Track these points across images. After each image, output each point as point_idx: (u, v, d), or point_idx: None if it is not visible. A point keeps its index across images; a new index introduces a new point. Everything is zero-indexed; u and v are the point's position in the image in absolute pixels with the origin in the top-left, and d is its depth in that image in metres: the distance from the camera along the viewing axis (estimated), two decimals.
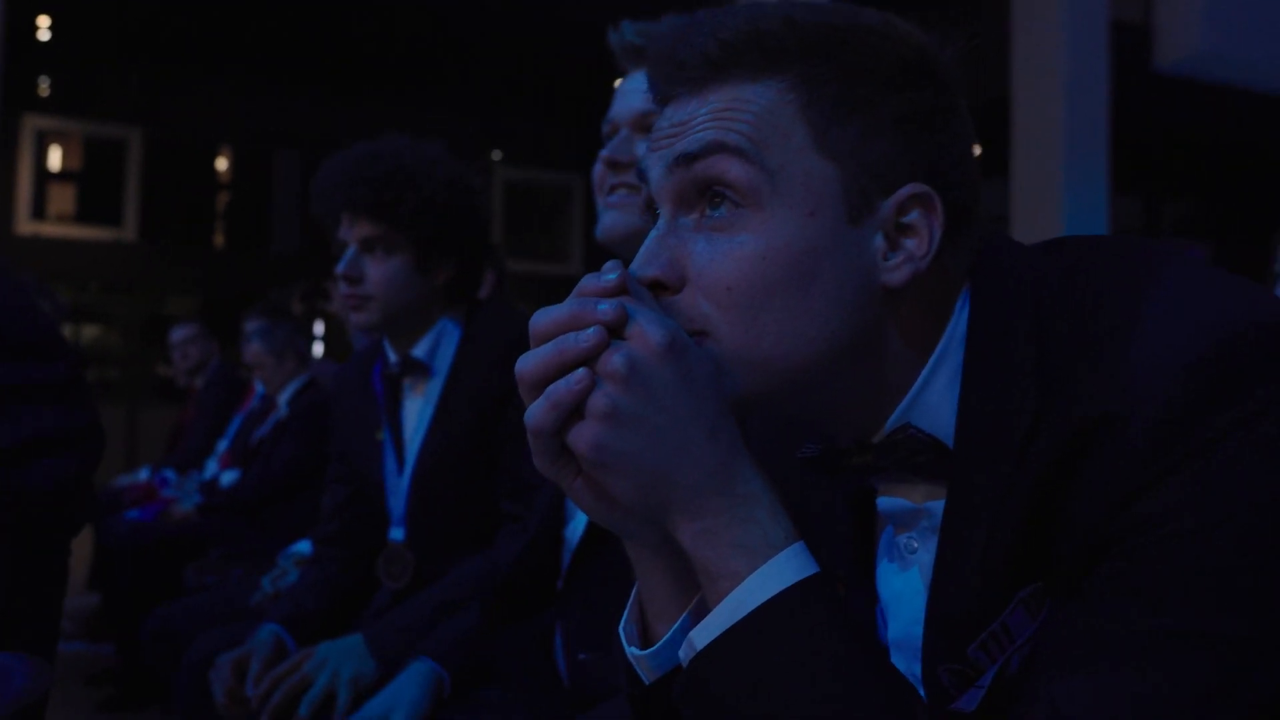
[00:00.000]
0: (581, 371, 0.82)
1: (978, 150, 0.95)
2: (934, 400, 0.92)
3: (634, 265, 0.90)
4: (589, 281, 0.86)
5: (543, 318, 0.86)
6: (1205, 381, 0.79)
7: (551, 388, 0.83)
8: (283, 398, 4.92)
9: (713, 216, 0.89)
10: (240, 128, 11.77)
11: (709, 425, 0.85)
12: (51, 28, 9.66)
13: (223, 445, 5.34)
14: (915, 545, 0.97)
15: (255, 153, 12.53)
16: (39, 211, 11.29)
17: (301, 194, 12.27)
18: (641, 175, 0.95)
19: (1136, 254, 0.89)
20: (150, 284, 11.56)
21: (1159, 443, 0.79)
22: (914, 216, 0.89)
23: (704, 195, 0.90)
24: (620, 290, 0.85)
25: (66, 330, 10.23)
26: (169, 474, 5.22)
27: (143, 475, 5.57)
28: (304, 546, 3.06)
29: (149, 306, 11.59)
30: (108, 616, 4.84)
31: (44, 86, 11.17)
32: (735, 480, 0.86)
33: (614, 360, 0.82)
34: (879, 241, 0.88)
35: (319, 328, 9.96)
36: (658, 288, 0.89)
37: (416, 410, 2.22)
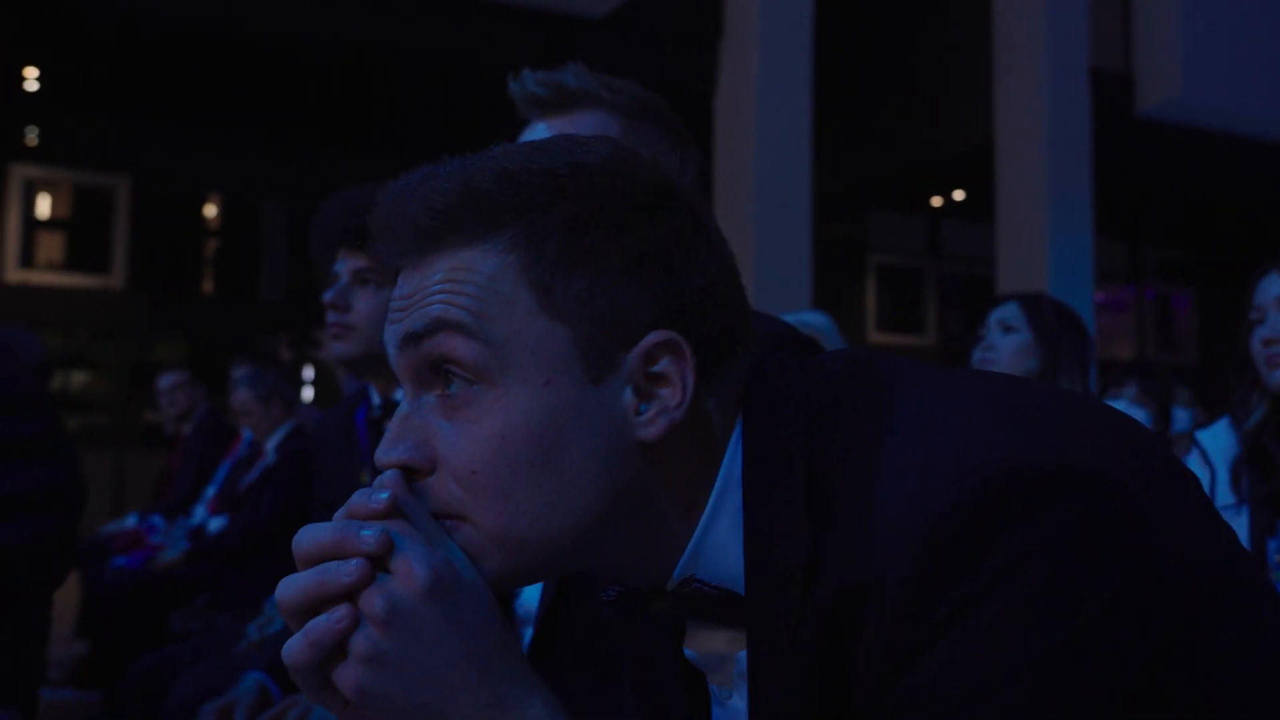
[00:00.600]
0: (343, 609, 0.78)
1: (733, 269, 0.90)
2: (718, 547, 0.86)
3: (380, 448, 0.85)
4: (360, 498, 0.81)
5: (306, 538, 0.80)
6: (948, 542, 0.74)
7: (311, 624, 0.78)
8: (270, 444, 4.92)
9: (449, 395, 0.84)
10: (228, 177, 11.80)
11: (482, 663, 0.80)
12: (39, 78, 9.71)
13: (210, 492, 5.33)
14: (729, 693, 0.93)
15: (243, 201, 12.56)
16: (27, 260, 11.29)
17: (289, 242, 12.29)
18: None
19: (883, 388, 0.85)
20: (138, 331, 11.54)
21: (912, 611, 0.75)
22: (663, 365, 0.84)
23: (438, 373, 0.84)
24: (390, 512, 0.80)
25: (55, 377, 10.22)
26: (156, 520, 5.20)
27: (130, 522, 5.55)
28: None
29: (137, 353, 11.57)
30: (95, 664, 4.81)
31: (32, 136, 11.20)
32: (514, 714, 0.80)
33: (375, 602, 0.77)
34: (628, 397, 0.84)
35: (308, 374, 9.95)
36: (408, 472, 0.84)
37: None
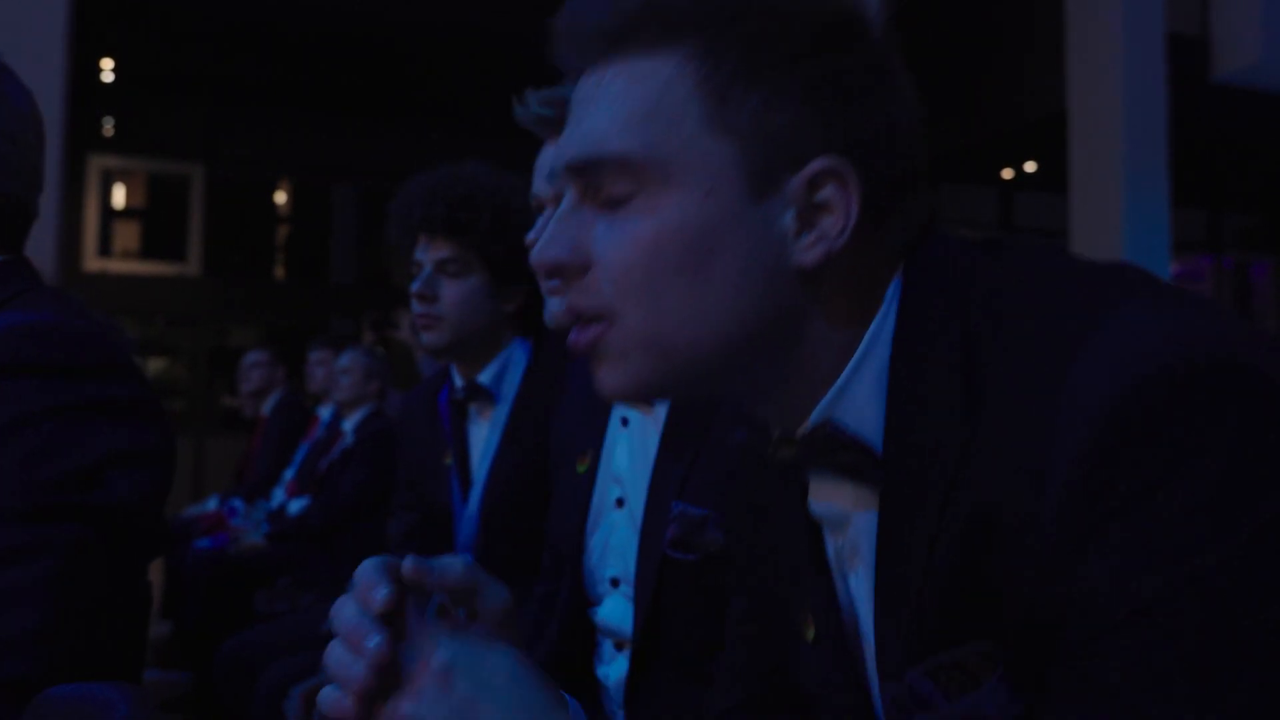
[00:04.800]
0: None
1: (917, 119, 0.87)
2: (860, 397, 0.85)
3: (536, 249, 0.86)
4: (366, 577, 0.82)
5: (337, 614, 0.82)
6: (1136, 419, 0.69)
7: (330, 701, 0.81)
8: (348, 425, 4.97)
9: (611, 199, 0.84)
10: (298, 162, 11.92)
11: None
12: (115, 69, 9.86)
13: (289, 474, 5.39)
14: (848, 554, 0.91)
15: (313, 187, 12.69)
16: (105, 249, 11.50)
17: (359, 226, 12.41)
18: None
19: (1083, 275, 0.82)
20: (214, 317, 11.72)
21: (1086, 492, 0.70)
22: (828, 193, 0.82)
23: (603, 178, 0.84)
24: (390, 609, 0.81)
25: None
26: (237, 503, 5.28)
27: (211, 505, 5.64)
28: None
29: (213, 339, 11.75)
30: (180, 644, 4.90)
31: (108, 127, 11.39)
32: None
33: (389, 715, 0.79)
34: (788, 220, 0.82)
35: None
36: (559, 272, 0.85)
37: (483, 437, 2.22)
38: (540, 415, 2.16)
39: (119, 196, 11.82)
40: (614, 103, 0.84)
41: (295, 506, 4.92)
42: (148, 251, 11.76)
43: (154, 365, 11.67)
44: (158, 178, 11.83)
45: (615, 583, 1.59)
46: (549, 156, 1.58)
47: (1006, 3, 10.58)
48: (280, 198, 12.87)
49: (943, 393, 0.80)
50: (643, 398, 0.86)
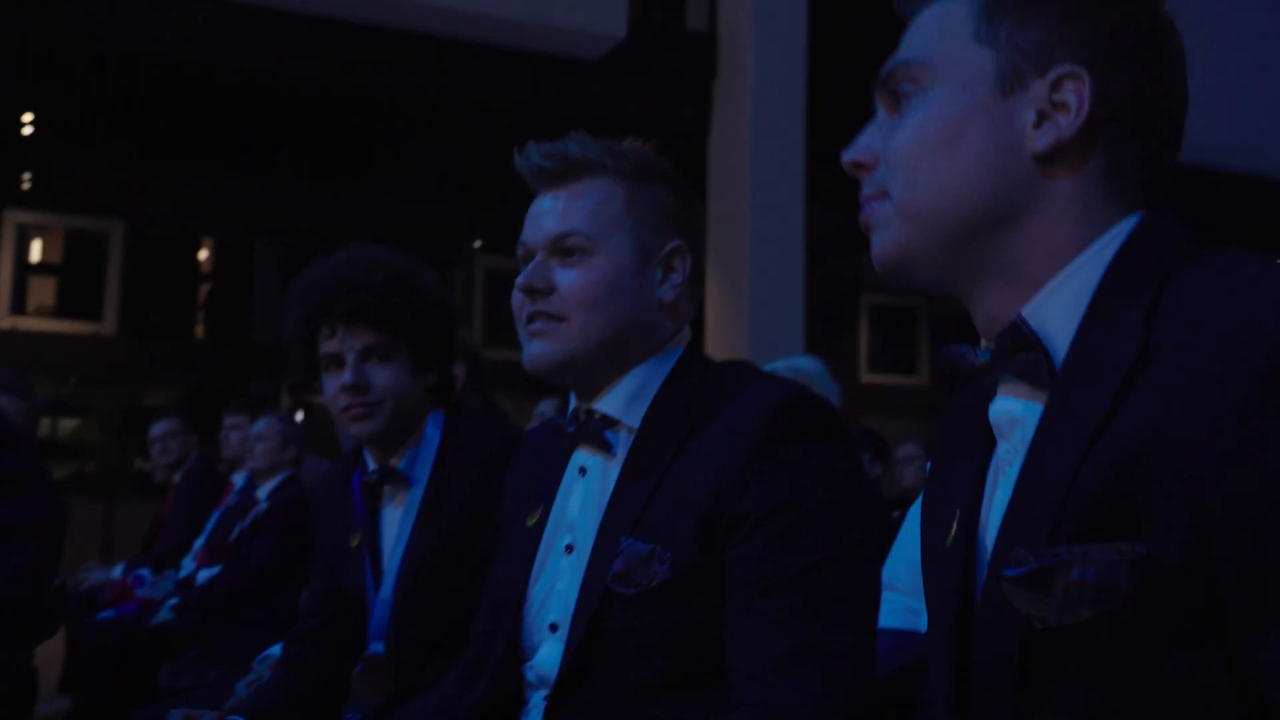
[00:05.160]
0: None
1: (1164, 67, 1.01)
2: (1056, 308, 0.97)
3: (848, 148, 1.06)
4: None
5: None
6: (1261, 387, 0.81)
7: None
8: (263, 492, 4.86)
9: (899, 100, 1.04)
10: (221, 221, 11.80)
11: None
12: (34, 122, 9.70)
13: (200, 542, 5.24)
14: (1006, 460, 1.01)
15: (236, 246, 12.55)
16: (19, 305, 11.25)
17: (282, 287, 12.27)
18: None
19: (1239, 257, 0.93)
20: (130, 377, 11.49)
21: (1243, 413, 0.80)
22: (1065, 93, 0.97)
23: (896, 93, 1.05)
24: None
25: (45, 424, 10.13)
26: (144, 572, 5.12)
27: (116, 573, 5.46)
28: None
29: (128, 400, 11.51)
30: None
31: (26, 181, 11.19)
32: None
33: None
34: (1030, 114, 0.98)
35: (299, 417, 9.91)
36: (858, 167, 1.05)
37: (396, 521, 2.20)
38: (456, 494, 2.14)
39: (35, 252, 11.59)
40: (914, 29, 1.06)
41: (204, 576, 4.78)
42: (63, 309, 11.53)
43: (65, 426, 11.40)
44: (75, 234, 11.63)
45: (554, 627, 1.56)
46: (545, 206, 1.60)
47: None
48: (202, 255, 12.71)
49: (1129, 326, 0.90)
50: (900, 268, 1.03)
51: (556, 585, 1.59)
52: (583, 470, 1.62)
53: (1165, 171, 1.02)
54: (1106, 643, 0.87)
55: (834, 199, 11.21)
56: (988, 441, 1.06)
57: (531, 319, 1.56)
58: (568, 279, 1.54)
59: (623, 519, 1.50)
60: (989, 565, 0.97)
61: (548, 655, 1.56)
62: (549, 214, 1.58)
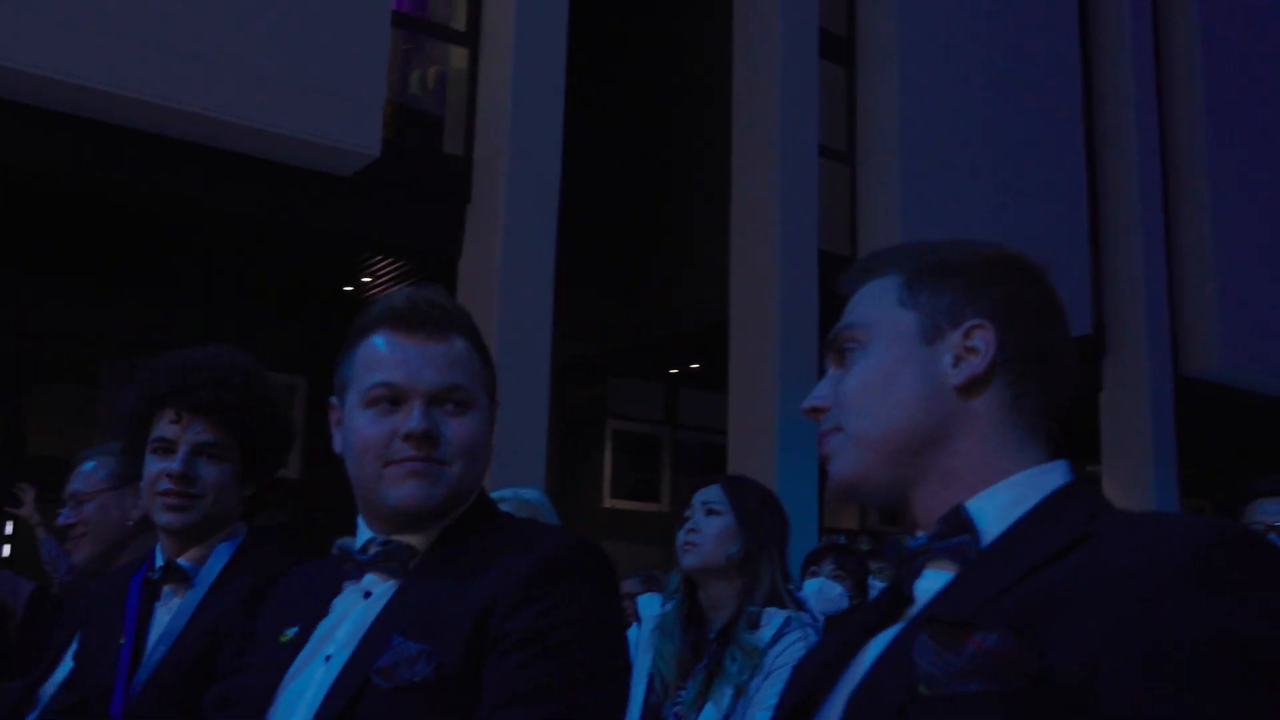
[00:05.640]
0: None
1: (1057, 332, 1.25)
2: (994, 507, 1.16)
3: (809, 397, 1.28)
4: None
5: None
6: (1210, 563, 0.97)
7: None
8: None
9: (845, 357, 1.27)
10: None
11: None
12: None
13: None
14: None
15: None
16: None
17: (15, 388, 11.50)
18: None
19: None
20: None
21: (1155, 618, 0.95)
22: (975, 339, 1.20)
23: (843, 351, 1.28)
24: None
25: None
26: None
27: None
28: None
29: None
30: None
31: None
32: None
33: None
34: (949, 358, 1.21)
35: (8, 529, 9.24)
36: (815, 411, 1.27)
37: (166, 621, 2.16)
38: (216, 617, 2.09)
39: None
40: (854, 302, 1.30)
41: None
42: None
43: None
44: None
45: None
46: (423, 354, 1.65)
47: (679, 215, 11.18)
48: None
49: (1070, 525, 1.08)
50: (855, 486, 1.24)
51: (306, 690, 1.58)
52: (368, 594, 1.63)
53: (1062, 405, 1.25)
54: None
55: (581, 327, 11.41)
56: (884, 617, 1.24)
57: (414, 460, 1.60)
58: (456, 429, 1.63)
59: (395, 620, 1.54)
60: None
61: None
62: (430, 365, 1.63)
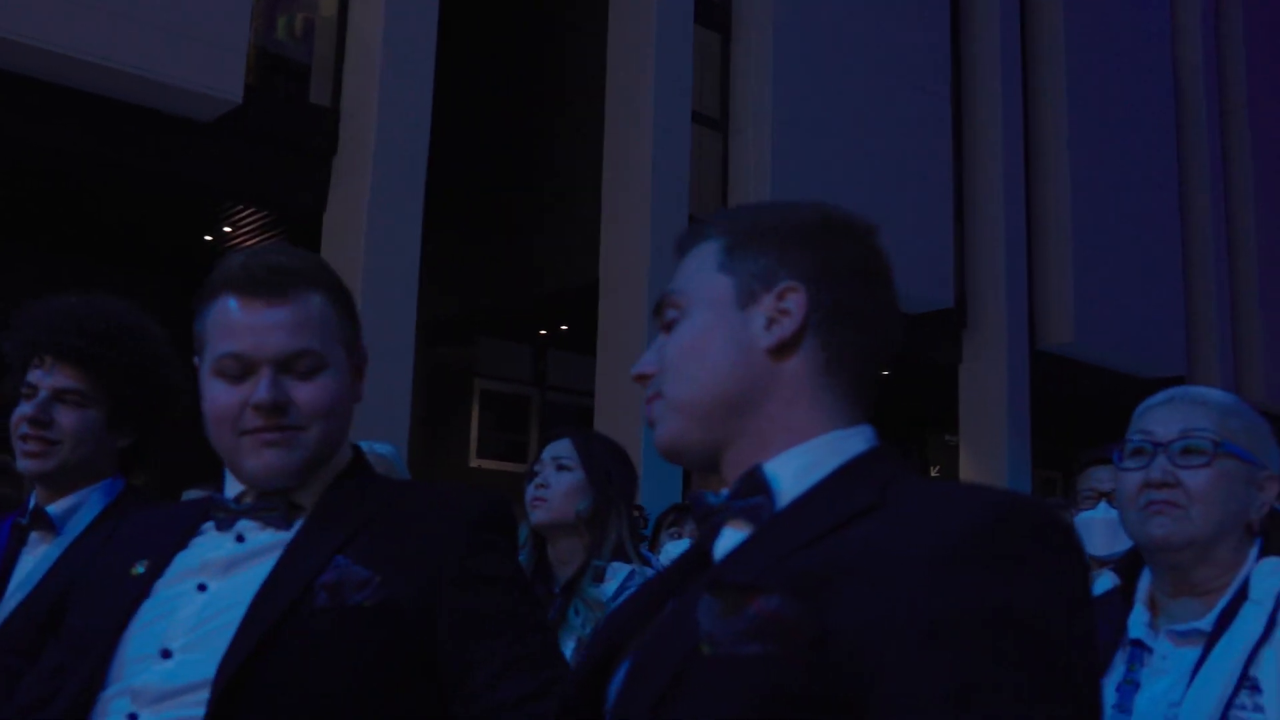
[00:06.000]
0: None
1: (874, 291, 1.26)
2: (792, 469, 1.18)
3: (635, 366, 1.30)
4: None
5: None
6: (974, 540, 1.00)
7: None
8: None
9: (669, 325, 1.28)
10: None
11: None
12: None
13: None
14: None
15: None
16: None
17: None
18: None
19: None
20: None
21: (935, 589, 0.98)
22: (788, 303, 1.21)
23: (667, 319, 1.29)
24: None
25: None
26: None
27: None
28: None
29: None
30: None
31: None
32: None
33: None
34: (762, 320, 1.22)
35: None
36: (642, 377, 1.28)
37: (29, 568, 2.14)
38: (72, 568, 2.03)
39: None
40: (679, 269, 1.30)
41: None
42: None
43: None
44: None
45: (166, 654, 1.53)
46: (263, 320, 1.63)
47: (550, 172, 11.15)
48: None
49: (865, 489, 1.12)
50: (675, 451, 1.25)
51: (175, 615, 1.56)
52: (240, 538, 1.63)
53: (877, 367, 1.26)
54: (740, 695, 1.01)
55: (450, 286, 11.33)
56: (685, 575, 1.26)
57: (265, 430, 1.60)
58: (307, 393, 1.62)
59: (325, 546, 1.56)
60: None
61: (155, 676, 1.52)
62: (274, 331, 1.62)
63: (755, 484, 1.18)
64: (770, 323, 1.22)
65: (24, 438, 2.13)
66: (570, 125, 11.00)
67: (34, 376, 2.16)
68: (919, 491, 1.09)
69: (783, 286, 1.22)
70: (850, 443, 1.20)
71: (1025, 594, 0.97)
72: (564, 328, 12.50)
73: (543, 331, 12.92)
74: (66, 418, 2.14)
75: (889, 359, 1.27)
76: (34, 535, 2.19)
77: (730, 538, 1.18)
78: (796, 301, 1.21)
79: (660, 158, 10.11)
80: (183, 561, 1.64)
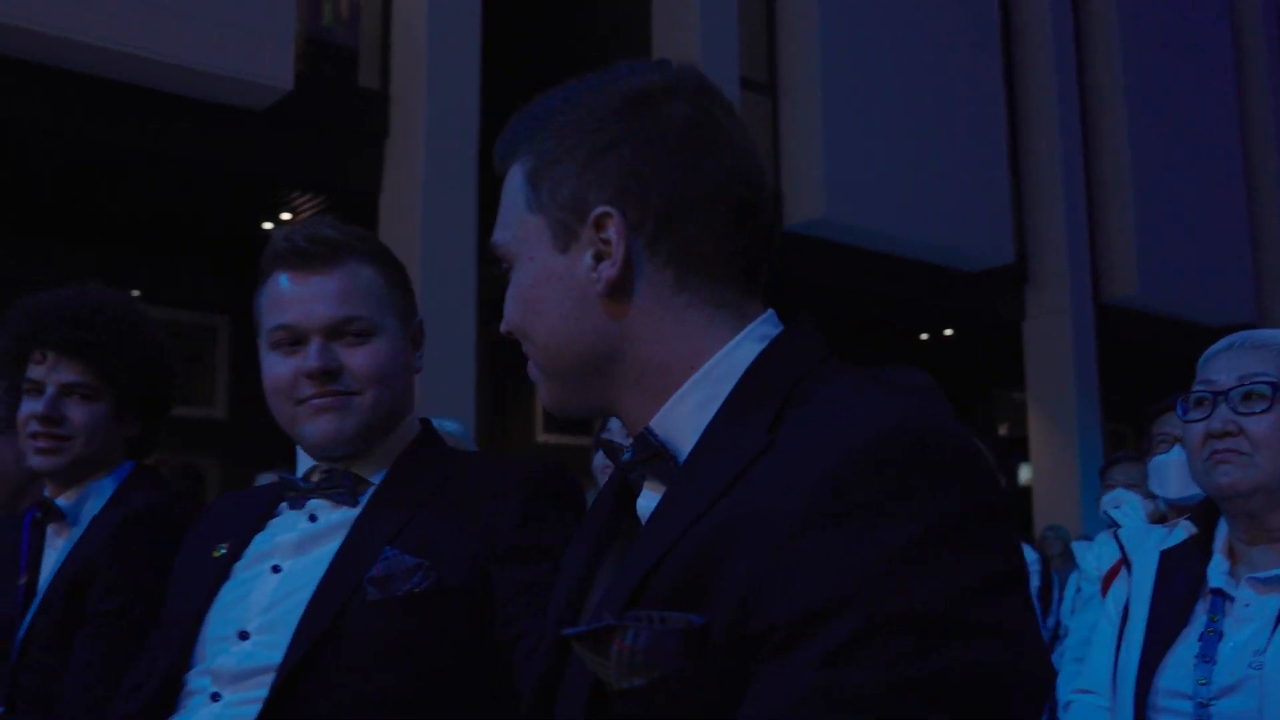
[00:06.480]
0: None
1: (695, 150, 1.07)
2: (683, 416, 1.05)
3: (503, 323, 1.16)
4: None
5: None
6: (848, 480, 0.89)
7: None
8: None
9: (507, 275, 1.14)
10: None
11: None
12: None
13: None
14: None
15: None
16: None
17: None
18: None
19: (830, 372, 1.05)
20: None
21: (809, 522, 0.88)
22: (609, 233, 1.05)
23: (500, 260, 1.15)
24: None
25: None
26: None
27: None
28: None
29: None
30: None
31: None
32: None
33: None
34: (588, 259, 1.06)
35: None
36: (510, 335, 1.15)
37: (53, 560, 2.18)
38: (88, 555, 2.08)
39: None
40: (500, 210, 1.15)
41: None
42: None
43: None
44: None
45: (243, 635, 1.59)
46: (310, 290, 1.68)
47: None
48: None
49: (754, 431, 0.98)
50: (560, 407, 1.14)
51: (251, 598, 1.62)
52: (313, 516, 1.67)
53: (747, 229, 1.08)
54: (662, 710, 0.92)
55: None
56: (627, 533, 1.14)
57: (318, 396, 1.64)
58: (359, 359, 1.65)
59: (375, 537, 1.59)
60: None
61: (233, 658, 1.58)
62: (322, 300, 1.65)
63: (649, 447, 1.06)
64: (599, 258, 1.06)
65: (35, 435, 2.13)
66: None
67: (36, 372, 2.15)
68: (811, 416, 0.96)
69: (596, 214, 1.05)
70: (740, 353, 1.06)
71: (886, 548, 0.85)
72: None
73: None
74: (76, 412, 2.13)
75: (759, 204, 1.09)
76: (50, 529, 2.21)
77: (648, 499, 1.08)
78: (615, 229, 1.04)
79: None
80: (259, 543, 1.69)
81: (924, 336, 14.06)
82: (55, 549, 2.19)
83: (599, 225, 1.05)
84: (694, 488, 0.98)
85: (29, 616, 2.10)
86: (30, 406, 2.13)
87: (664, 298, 1.05)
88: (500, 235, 1.14)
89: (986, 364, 14.44)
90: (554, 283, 1.08)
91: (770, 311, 1.11)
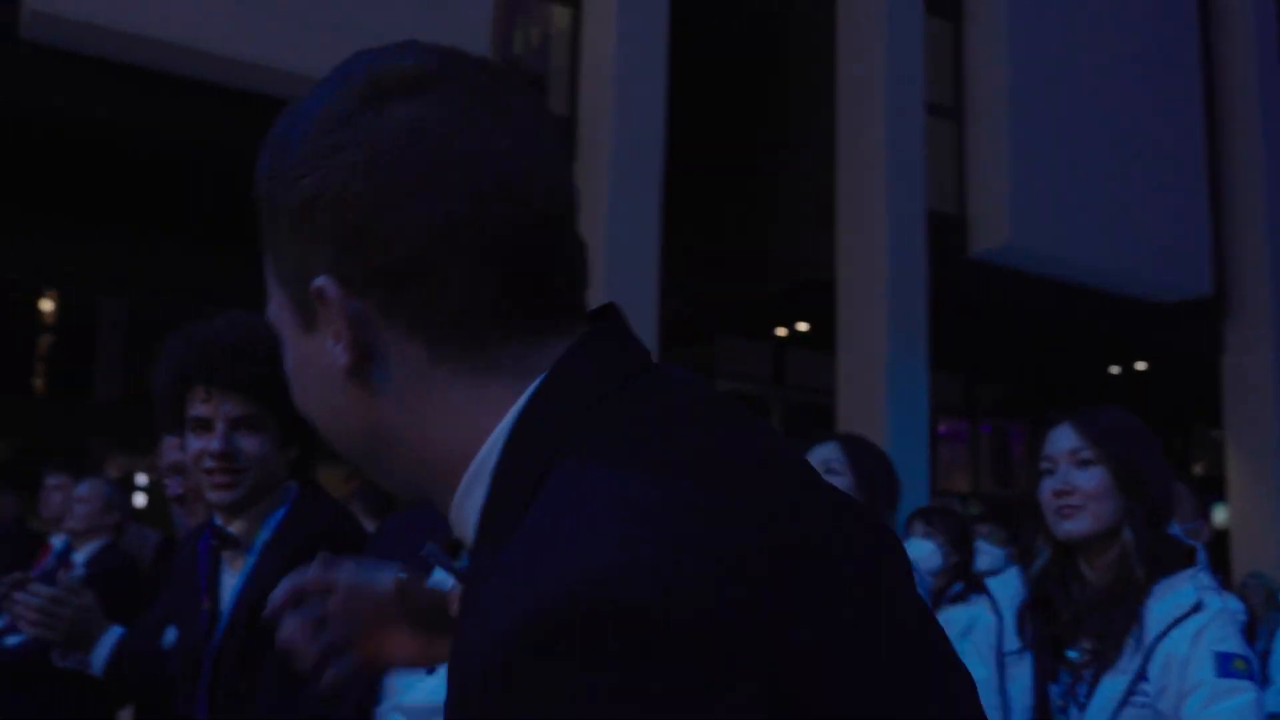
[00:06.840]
0: None
1: (411, 176, 0.81)
2: (468, 518, 0.83)
3: None
4: None
5: None
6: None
7: None
8: (80, 557, 4.73)
9: None
10: (64, 272, 11.49)
11: None
12: None
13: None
14: None
15: (80, 298, 12.22)
16: None
17: (127, 342, 11.96)
18: None
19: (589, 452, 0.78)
20: None
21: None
22: (331, 311, 0.83)
23: None
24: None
25: None
26: None
27: None
28: None
29: None
30: None
31: None
32: None
33: None
34: (329, 341, 0.84)
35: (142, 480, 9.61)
36: None
37: (233, 585, 2.22)
38: (271, 575, 2.10)
39: None
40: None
41: (13, 640, 4.62)
42: None
43: None
44: None
45: (431, 669, 1.63)
46: None
47: (785, 174, 11.13)
48: (46, 306, 12.34)
49: (484, 553, 0.80)
50: (395, 494, 1.00)
51: None
52: None
53: (544, 279, 0.84)
54: None
55: (687, 286, 11.43)
56: None
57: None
58: None
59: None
60: None
61: (421, 693, 1.65)
62: None
63: (454, 549, 0.97)
64: (337, 338, 0.83)
65: (210, 471, 2.14)
66: (801, 121, 10.95)
67: (201, 410, 2.16)
68: (510, 555, 0.73)
69: (314, 289, 0.83)
70: (501, 431, 0.82)
71: None
72: (801, 326, 12.45)
73: (780, 330, 12.90)
74: (247, 444, 2.16)
75: (535, 220, 0.82)
76: (226, 555, 2.24)
77: None
78: (335, 305, 0.82)
79: (894, 150, 9.96)
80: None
81: (1114, 370, 13.61)
82: (232, 574, 2.23)
83: (321, 301, 0.83)
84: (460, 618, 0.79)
85: (215, 640, 2.17)
86: (201, 443, 2.15)
87: (419, 374, 0.83)
88: (268, 308, 0.93)
89: (1181, 399, 13.88)
90: (308, 368, 0.89)
91: (572, 346, 0.85)
